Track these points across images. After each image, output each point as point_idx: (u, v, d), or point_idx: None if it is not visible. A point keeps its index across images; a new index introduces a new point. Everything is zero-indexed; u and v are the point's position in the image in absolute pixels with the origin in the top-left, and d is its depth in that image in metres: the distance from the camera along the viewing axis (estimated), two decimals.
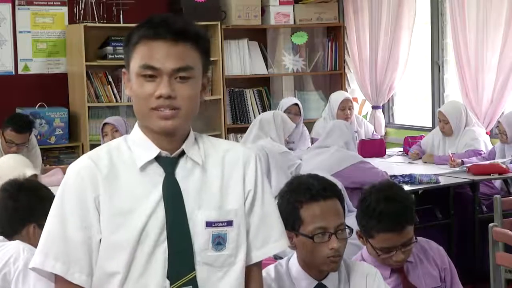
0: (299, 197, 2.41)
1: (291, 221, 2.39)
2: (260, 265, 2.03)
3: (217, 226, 1.90)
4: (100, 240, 1.88)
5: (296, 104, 6.77)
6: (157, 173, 1.90)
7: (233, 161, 1.97)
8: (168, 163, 1.91)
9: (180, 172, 1.91)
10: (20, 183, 3.19)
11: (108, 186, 1.88)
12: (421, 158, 6.45)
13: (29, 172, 3.95)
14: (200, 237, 1.89)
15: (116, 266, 1.87)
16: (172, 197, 1.88)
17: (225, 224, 1.91)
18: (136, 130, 1.95)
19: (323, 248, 2.37)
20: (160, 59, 1.85)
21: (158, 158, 1.91)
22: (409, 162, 6.37)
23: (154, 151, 1.91)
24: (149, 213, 1.87)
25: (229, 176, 1.95)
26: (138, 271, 1.87)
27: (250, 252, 1.97)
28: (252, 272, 2.00)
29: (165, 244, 1.87)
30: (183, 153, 1.93)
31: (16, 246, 2.92)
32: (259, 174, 1.98)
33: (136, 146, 1.93)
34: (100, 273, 1.89)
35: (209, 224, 1.90)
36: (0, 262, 2.86)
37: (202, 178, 1.92)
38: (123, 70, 1.95)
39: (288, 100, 6.86)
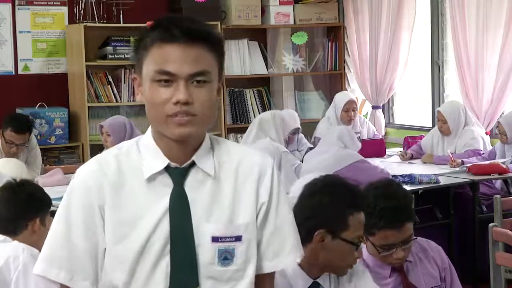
0: (352, 204, 2.42)
1: (335, 224, 2.40)
2: (272, 275, 1.96)
3: (224, 241, 1.83)
4: (105, 249, 1.84)
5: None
6: (165, 184, 1.84)
7: (247, 171, 1.89)
8: (177, 174, 1.84)
9: (190, 183, 1.84)
10: (21, 180, 3.20)
11: (114, 194, 1.83)
12: (411, 158, 6.47)
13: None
14: (205, 251, 1.82)
15: (117, 278, 1.83)
16: (179, 209, 1.82)
17: (233, 239, 1.84)
18: (148, 135, 1.89)
19: (351, 256, 2.43)
20: (176, 64, 1.78)
21: (167, 168, 1.84)
22: (409, 162, 6.37)
23: (163, 162, 1.84)
24: (154, 224, 1.81)
25: (242, 187, 1.87)
26: (140, 283, 1.82)
27: (262, 262, 1.90)
28: (264, 281, 1.93)
29: (168, 258, 1.81)
30: (193, 163, 1.86)
31: (15, 246, 2.92)
32: (275, 185, 1.90)
33: (146, 153, 1.87)
34: (104, 282, 1.85)
35: (215, 239, 1.83)
36: (0, 258, 2.87)
37: (213, 190, 1.85)
38: (134, 75, 1.89)
39: (293, 122, 6.44)
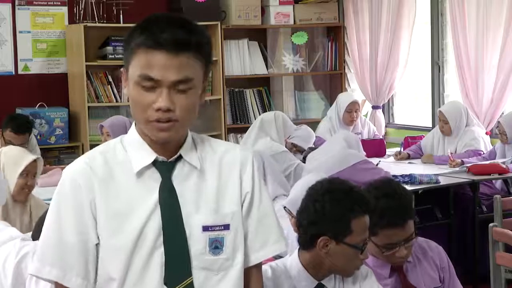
0: (356, 207, 2.44)
1: (338, 229, 2.42)
2: (260, 267, 2.02)
3: (214, 230, 1.89)
4: (97, 244, 1.87)
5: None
6: (154, 178, 1.88)
7: (230, 163, 1.95)
8: (165, 168, 1.89)
9: (177, 177, 1.89)
10: None
11: (104, 189, 1.87)
12: (409, 158, 6.48)
13: (31, 156, 4.10)
14: (197, 241, 1.87)
15: (113, 271, 1.86)
16: (169, 201, 1.87)
17: (222, 227, 1.89)
18: (133, 131, 1.93)
19: (357, 259, 2.45)
20: (160, 70, 1.81)
21: (155, 163, 1.89)
22: (409, 162, 6.37)
23: (151, 156, 1.88)
24: (145, 218, 1.85)
25: (226, 178, 1.93)
26: (135, 276, 1.86)
27: (249, 254, 1.96)
28: (252, 273, 1.99)
29: (162, 249, 1.85)
30: (180, 157, 1.91)
31: (37, 244, 2.91)
32: (256, 176, 1.96)
33: (132, 149, 1.91)
34: (101, 277, 1.88)
35: (205, 228, 1.88)
36: (18, 254, 2.87)
37: (199, 182, 1.91)
38: (122, 69, 1.93)
39: (306, 141, 6.24)
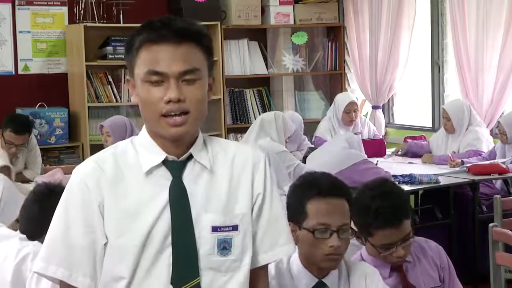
0: (307, 191, 2.42)
1: (297, 214, 2.41)
2: (266, 268, 2.02)
3: (223, 231, 1.88)
4: (105, 244, 1.86)
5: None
6: (164, 177, 1.88)
7: (242, 163, 1.94)
8: (175, 167, 1.88)
9: (188, 176, 1.89)
10: (51, 187, 3.17)
11: (113, 189, 1.86)
12: (407, 154, 6.50)
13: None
14: (205, 241, 1.87)
15: (122, 270, 1.85)
16: (178, 201, 1.86)
17: (231, 228, 1.89)
18: (144, 133, 1.93)
19: (322, 245, 2.38)
20: (166, 63, 1.82)
21: (165, 162, 1.88)
22: (408, 162, 6.37)
23: (161, 155, 1.88)
24: (155, 217, 1.85)
25: (238, 179, 1.92)
26: (142, 275, 1.85)
27: (258, 255, 1.95)
28: (259, 274, 1.99)
29: (170, 249, 1.85)
30: (190, 156, 1.90)
31: (37, 246, 2.91)
32: (268, 177, 1.95)
33: (143, 149, 1.90)
34: (106, 277, 1.87)
35: (215, 229, 1.87)
36: (17, 256, 2.86)
37: (210, 182, 1.90)
38: (127, 77, 1.93)
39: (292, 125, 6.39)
